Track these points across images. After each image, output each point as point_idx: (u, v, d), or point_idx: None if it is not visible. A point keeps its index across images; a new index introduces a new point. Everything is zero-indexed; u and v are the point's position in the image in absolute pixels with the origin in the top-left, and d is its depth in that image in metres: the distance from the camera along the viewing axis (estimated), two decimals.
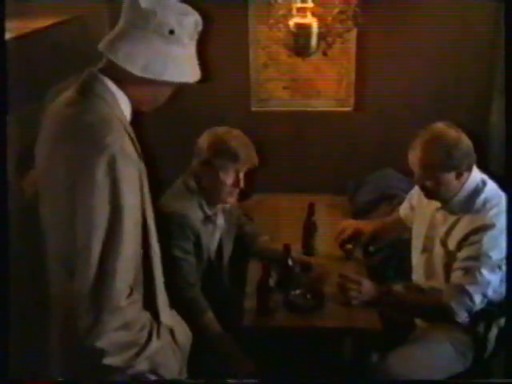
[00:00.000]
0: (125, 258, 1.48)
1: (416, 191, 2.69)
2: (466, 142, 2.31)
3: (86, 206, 1.44)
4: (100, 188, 1.43)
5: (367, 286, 2.38)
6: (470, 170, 2.34)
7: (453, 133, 2.31)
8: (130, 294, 1.52)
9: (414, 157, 2.34)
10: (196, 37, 1.63)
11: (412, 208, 2.73)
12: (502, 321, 2.38)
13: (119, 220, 1.45)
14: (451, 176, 2.30)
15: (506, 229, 2.11)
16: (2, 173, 1.52)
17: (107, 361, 1.51)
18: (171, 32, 1.54)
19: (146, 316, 1.60)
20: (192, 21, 1.58)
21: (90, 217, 1.44)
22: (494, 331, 2.40)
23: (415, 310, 2.46)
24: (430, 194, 2.41)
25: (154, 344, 1.61)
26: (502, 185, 2.31)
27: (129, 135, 1.56)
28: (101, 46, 1.56)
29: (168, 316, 1.73)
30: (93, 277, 1.46)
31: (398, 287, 2.66)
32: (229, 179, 2.46)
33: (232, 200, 2.57)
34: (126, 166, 1.46)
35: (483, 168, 2.44)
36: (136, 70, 1.52)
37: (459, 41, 3.39)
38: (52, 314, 1.65)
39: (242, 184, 2.50)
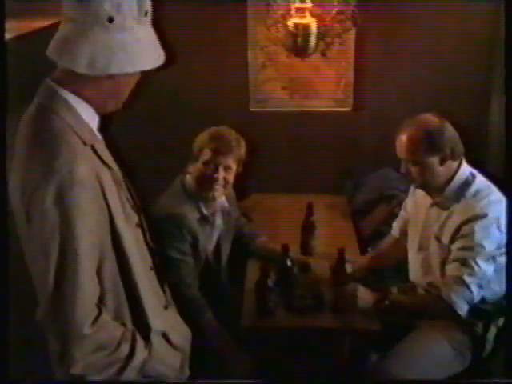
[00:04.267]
0: (82, 284, 1.44)
1: (408, 200, 2.72)
2: (450, 128, 2.36)
3: (39, 234, 1.41)
4: (49, 218, 1.39)
5: (364, 296, 2.37)
6: (455, 158, 2.36)
7: (436, 119, 2.37)
8: (98, 317, 1.47)
9: (399, 143, 2.39)
10: (146, 18, 1.48)
11: (407, 219, 2.74)
12: (501, 321, 2.38)
13: (72, 249, 1.41)
14: (435, 160, 2.33)
15: (506, 229, 2.12)
16: (2, 173, 1.52)
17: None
18: (110, 20, 1.40)
19: (121, 331, 1.56)
20: (132, 3, 1.43)
21: (43, 245, 1.41)
22: (492, 331, 2.40)
23: (415, 312, 2.46)
24: (417, 183, 2.45)
25: (140, 355, 1.59)
26: (502, 185, 2.32)
27: (92, 147, 1.51)
28: (48, 52, 1.46)
29: (159, 320, 1.71)
30: (51, 304, 1.44)
31: (396, 288, 2.67)
32: (217, 173, 2.47)
33: (220, 193, 2.57)
34: (76, 192, 1.40)
35: (482, 168, 2.45)
36: (81, 69, 1.42)
37: (458, 41, 3.40)
38: None
39: (229, 178, 2.52)
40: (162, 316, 1.75)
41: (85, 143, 1.49)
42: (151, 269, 1.74)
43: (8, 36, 1.76)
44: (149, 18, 1.50)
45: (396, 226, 2.83)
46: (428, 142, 2.31)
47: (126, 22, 1.43)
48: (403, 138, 2.36)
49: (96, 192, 1.47)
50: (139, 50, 1.47)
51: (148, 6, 1.48)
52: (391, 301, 2.39)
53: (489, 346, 2.41)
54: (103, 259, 1.52)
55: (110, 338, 1.52)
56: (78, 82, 1.48)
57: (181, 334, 1.84)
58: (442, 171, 2.36)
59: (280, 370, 2.38)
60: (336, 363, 2.42)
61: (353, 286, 2.38)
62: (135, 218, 1.69)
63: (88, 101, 1.52)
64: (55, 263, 1.41)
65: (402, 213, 2.81)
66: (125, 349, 1.55)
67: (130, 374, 1.57)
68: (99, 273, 1.51)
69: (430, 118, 2.38)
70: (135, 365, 1.57)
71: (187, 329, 1.89)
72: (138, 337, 1.61)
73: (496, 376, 2.40)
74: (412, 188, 2.67)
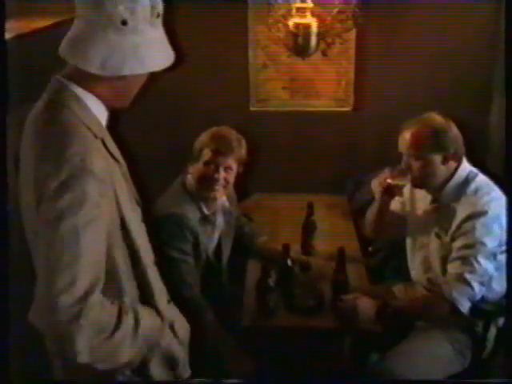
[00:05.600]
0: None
1: (405, 191, 2.68)
2: (455, 129, 2.39)
3: (46, 217, 1.40)
4: (58, 202, 1.38)
5: (365, 308, 2.34)
6: (457, 158, 2.38)
7: (442, 119, 2.40)
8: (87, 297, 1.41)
9: (403, 138, 2.40)
10: (158, 20, 1.50)
11: (402, 203, 2.71)
12: (501, 321, 2.38)
13: (75, 236, 1.39)
14: (438, 158, 2.35)
15: (506, 228, 2.13)
16: (2, 173, 1.52)
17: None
18: (124, 23, 1.43)
19: (117, 306, 1.51)
20: (146, 6, 1.45)
21: (47, 227, 1.40)
22: (492, 331, 2.40)
23: (418, 314, 2.46)
24: (417, 179, 2.44)
25: (147, 320, 1.57)
26: (502, 185, 2.33)
27: (102, 140, 1.52)
28: (60, 50, 1.48)
29: (167, 312, 1.72)
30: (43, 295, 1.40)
31: (396, 288, 2.67)
32: (218, 174, 2.47)
33: (221, 193, 2.57)
34: (87, 180, 1.40)
35: (483, 168, 2.45)
36: (94, 69, 1.44)
37: (459, 41, 3.40)
38: None
39: (229, 178, 2.52)
40: (168, 308, 1.77)
41: (96, 136, 1.50)
42: (154, 264, 1.75)
43: (8, 36, 1.76)
44: (160, 19, 1.52)
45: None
46: (434, 139, 2.34)
47: (139, 25, 1.45)
48: (408, 132, 2.38)
49: (107, 182, 1.48)
50: (151, 51, 1.49)
51: (160, 9, 1.50)
52: (393, 308, 2.35)
53: (489, 346, 2.41)
54: (113, 248, 1.52)
55: (108, 317, 1.47)
56: (89, 80, 1.49)
57: (183, 327, 1.84)
58: (442, 170, 2.37)
59: (280, 370, 2.38)
60: (336, 363, 2.42)
61: (352, 298, 2.37)
62: (140, 213, 1.71)
63: (98, 97, 1.54)
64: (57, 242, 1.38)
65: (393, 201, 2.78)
66: (129, 321, 1.51)
67: (144, 343, 1.56)
68: (112, 259, 1.51)
69: (437, 117, 2.40)
70: (144, 332, 1.54)
71: (186, 323, 1.89)
72: (140, 306, 1.59)
73: (496, 376, 2.40)
74: (409, 186, 2.64)
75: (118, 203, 1.53)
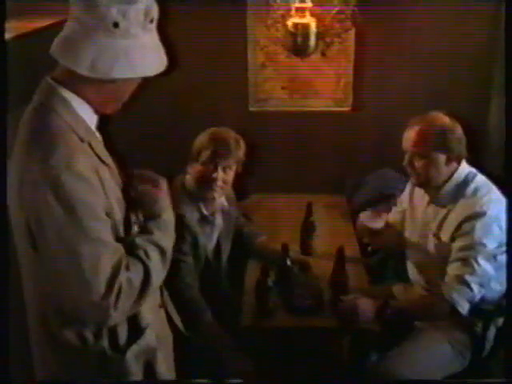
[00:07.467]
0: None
1: (405, 195, 2.71)
2: (460, 131, 2.38)
3: (52, 236, 1.43)
4: (55, 215, 1.41)
5: (364, 310, 2.33)
6: (459, 159, 2.38)
7: (449, 119, 2.39)
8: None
9: (408, 135, 2.39)
10: (151, 25, 1.49)
11: (402, 212, 2.73)
12: (500, 320, 2.38)
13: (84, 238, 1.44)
14: (442, 158, 2.35)
15: (506, 228, 2.12)
16: (2, 173, 1.51)
17: None
18: (115, 25, 1.41)
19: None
20: (139, 10, 1.43)
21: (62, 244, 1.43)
22: (492, 331, 2.40)
23: (417, 315, 2.46)
24: (418, 178, 2.43)
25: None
26: (502, 185, 2.33)
27: (89, 144, 1.51)
28: (51, 50, 1.46)
29: (153, 315, 1.73)
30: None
31: (396, 288, 2.67)
32: (216, 174, 2.47)
33: (220, 194, 2.57)
34: (76, 185, 1.41)
35: (482, 168, 2.45)
36: (83, 70, 1.43)
37: (458, 41, 3.40)
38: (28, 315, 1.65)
39: (228, 179, 2.52)
40: (154, 313, 1.75)
41: (82, 140, 1.49)
42: None
43: (8, 36, 1.76)
44: (154, 24, 1.51)
45: (390, 215, 2.80)
46: (440, 138, 2.32)
47: (130, 28, 1.44)
48: (414, 130, 2.37)
49: (96, 185, 1.48)
50: (142, 56, 1.48)
51: (155, 14, 1.49)
52: (393, 309, 2.34)
53: (488, 346, 2.41)
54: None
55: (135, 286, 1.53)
56: (78, 83, 1.48)
57: (165, 335, 1.84)
58: (445, 170, 2.37)
59: (280, 370, 2.38)
60: (336, 363, 2.42)
61: (352, 298, 2.36)
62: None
63: (88, 101, 1.53)
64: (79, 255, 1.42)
65: (396, 207, 2.80)
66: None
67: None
68: None
69: (444, 117, 2.39)
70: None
71: (169, 331, 1.88)
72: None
73: (496, 376, 2.40)
74: (409, 187, 2.66)
75: (109, 206, 1.53)
